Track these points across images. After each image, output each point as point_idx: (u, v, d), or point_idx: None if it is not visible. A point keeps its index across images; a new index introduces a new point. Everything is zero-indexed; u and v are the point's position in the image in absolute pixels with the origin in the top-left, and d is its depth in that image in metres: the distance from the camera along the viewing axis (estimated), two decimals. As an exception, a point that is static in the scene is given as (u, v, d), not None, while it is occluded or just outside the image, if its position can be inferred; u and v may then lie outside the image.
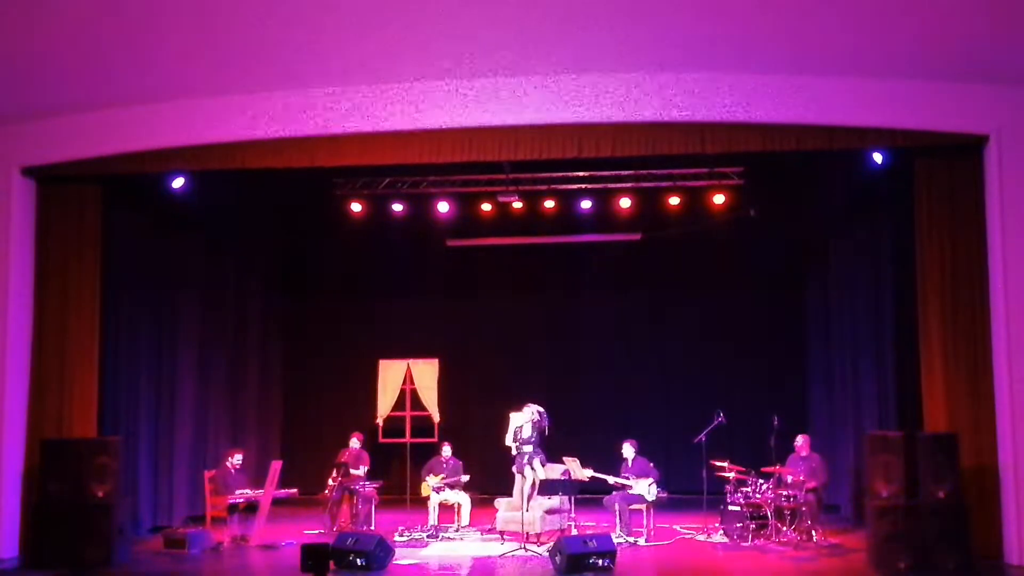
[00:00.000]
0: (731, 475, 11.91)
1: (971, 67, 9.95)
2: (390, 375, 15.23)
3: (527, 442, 12.23)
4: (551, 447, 12.45)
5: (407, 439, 14.51)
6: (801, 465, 11.95)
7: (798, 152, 10.89)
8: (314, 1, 8.75)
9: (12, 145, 11.30)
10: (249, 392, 15.86)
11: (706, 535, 12.09)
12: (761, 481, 11.68)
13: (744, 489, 11.72)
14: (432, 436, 14.55)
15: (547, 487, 11.65)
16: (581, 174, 14.00)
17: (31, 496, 11.00)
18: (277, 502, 12.47)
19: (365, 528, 12.44)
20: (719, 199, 14.07)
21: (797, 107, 10.38)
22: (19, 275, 11.36)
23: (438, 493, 12.83)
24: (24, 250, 11.44)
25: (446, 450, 13.28)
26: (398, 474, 14.55)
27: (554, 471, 12.11)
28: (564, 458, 12.09)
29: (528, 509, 11.80)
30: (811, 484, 11.73)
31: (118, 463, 11.09)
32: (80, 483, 10.69)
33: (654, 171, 13.71)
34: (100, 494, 10.75)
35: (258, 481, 12.71)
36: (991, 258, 10.49)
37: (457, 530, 12.69)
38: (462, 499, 12.96)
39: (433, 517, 12.73)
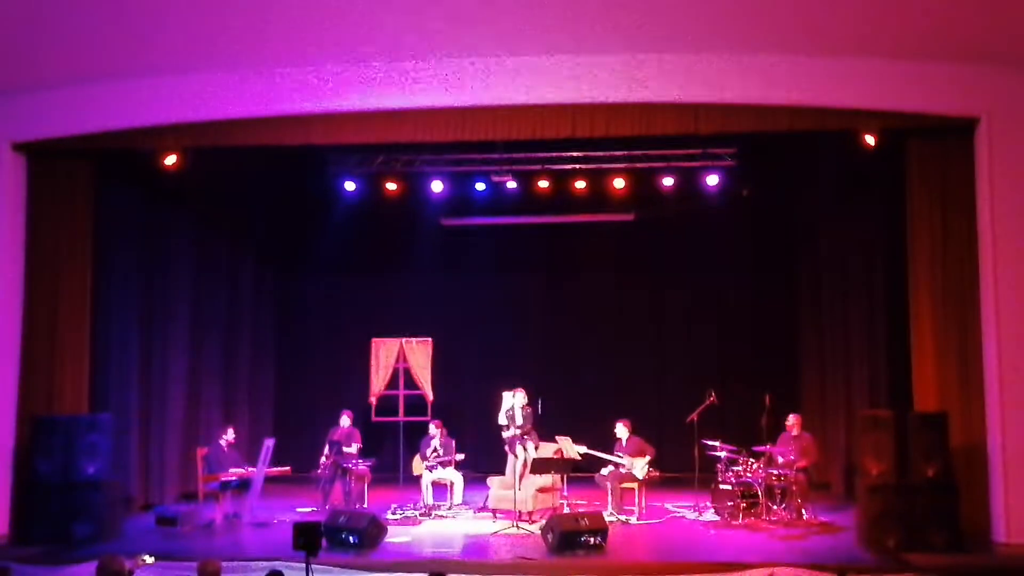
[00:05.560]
0: (722, 454, 11.95)
1: (963, 48, 9.94)
2: (383, 354, 15.21)
3: (520, 427, 12.26)
4: (544, 426, 12.47)
5: (400, 418, 14.51)
6: (792, 444, 12.00)
7: (791, 133, 10.89)
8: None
9: (3, 120, 11.20)
10: (241, 369, 15.82)
11: (697, 513, 12.15)
12: (752, 460, 11.73)
13: (735, 468, 11.77)
14: (425, 415, 14.55)
15: (539, 466, 11.70)
16: (574, 154, 13.97)
17: (22, 473, 10.99)
18: (270, 480, 12.49)
19: (358, 506, 12.48)
20: (712, 180, 14.06)
21: (790, 87, 10.37)
22: (9, 250, 11.31)
23: (430, 471, 12.84)
24: (15, 225, 11.38)
25: (432, 428, 13.26)
26: (391, 453, 14.56)
27: (546, 450, 12.15)
28: (557, 437, 12.13)
29: (520, 488, 11.84)
30: (801, 463, 11.78)
31: (109, 440, 11.10)
32: (71, 460, 10.71)
33: (647, 151, 13.69)
34: (91, 471, 10.77)
35: (251, 458, 12.71)
36: (981, 240, 10.51)
37: (450, 508, 12.72)
38: (455, 477, 12.98)
39: (426, 496, 12.77)
